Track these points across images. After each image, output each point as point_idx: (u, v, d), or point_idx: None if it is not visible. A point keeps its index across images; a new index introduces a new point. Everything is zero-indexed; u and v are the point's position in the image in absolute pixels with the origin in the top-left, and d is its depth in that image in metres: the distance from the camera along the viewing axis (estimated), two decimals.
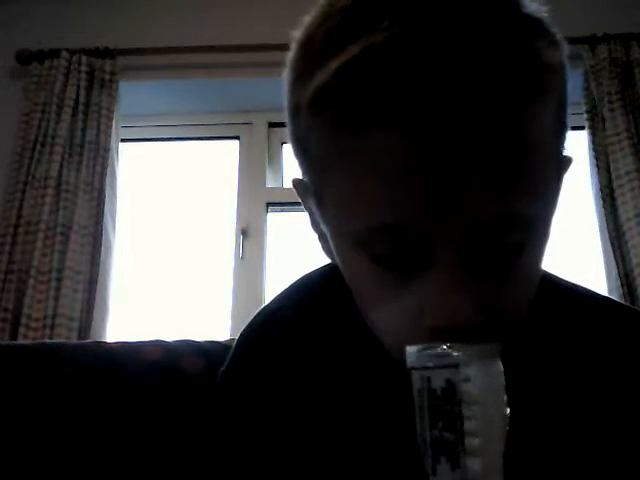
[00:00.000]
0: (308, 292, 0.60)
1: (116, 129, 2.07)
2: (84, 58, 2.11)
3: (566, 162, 0.50)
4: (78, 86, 2.07)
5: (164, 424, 0.80)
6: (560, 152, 0.48)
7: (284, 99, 0.50)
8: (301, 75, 0.46)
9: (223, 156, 2.30)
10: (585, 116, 2.00)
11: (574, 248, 1.99)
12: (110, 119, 2.04)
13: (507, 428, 0.39)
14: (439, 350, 0.40)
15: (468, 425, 0.38)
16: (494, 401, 0.39)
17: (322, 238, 0.54)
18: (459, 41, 0.40)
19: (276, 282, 2.04)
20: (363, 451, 0.52)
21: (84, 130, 2.03)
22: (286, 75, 0.49)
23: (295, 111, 0.47)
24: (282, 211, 2.16)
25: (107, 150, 2.00)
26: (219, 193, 2.25)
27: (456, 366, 0.39)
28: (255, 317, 0.60)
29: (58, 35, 2.19)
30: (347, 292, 0.50)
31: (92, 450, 0.78)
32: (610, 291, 1.80)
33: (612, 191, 1.89)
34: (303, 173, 0.51)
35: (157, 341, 0.87)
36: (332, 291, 0.56)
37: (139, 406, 0.81)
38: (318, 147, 0.45)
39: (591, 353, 0.53)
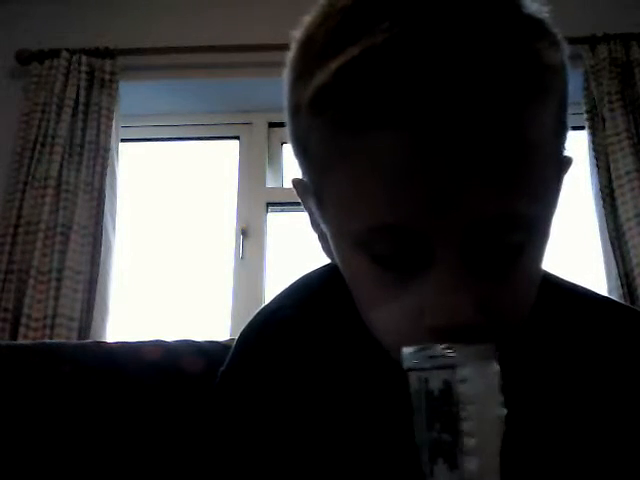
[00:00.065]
0: (308, 292, 0.60)
1: (116, 129, 2.07)
2: (84, 58, 2.11)
3: (566, 162, 0.50)
4: (78, 86, 2.07)
5: (164, 424, 0.80)
6: (560, 152, 0.48)
7: (284, 99, 0.50)
8: (301, 75, 0.46)
9: (223, 156, 2.30)
10: (585, 116, 2.00)
11: (574, 248, 1.99)
12: (110, 119, 2.04)
13: (503, 428, 0.39)
14: (435, 351, 0.40)
15: (464, 426, 0.38)
16: (490, 401, 0.39)
17: (322, 238, 0.54)
18: (460, 42, 0.40)
19: (276, 282, 2.04)
20: (362, 451, 0.52)
21: (84, 130, 2.03)
22: (286, 75, 0.49)
23: (295, 111, 0.47)
24: (282, 211, 2.16)
25: (107, 150, 2.00)
26: (219, 193, 2.25)
27: (452, 367, 0.39)
28: (255, 317, 0.60)
29: (58, 35, 2.19)
30: (347, 292, 0.50)
31: (92, 450, 0.78)
32: (610, 291, 1.80)
33: (612, 191, 1.89)
34: (303, 173, 0.51)
35: (157, 341, 0.87)
36: (332, 291, 0.56)
37: (139, 406, 0.81)
38: (318, 147, 0.45)
39: (591, 353, 0.53)
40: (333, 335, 0.55)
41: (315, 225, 0.54)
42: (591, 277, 1.88)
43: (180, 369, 0.83)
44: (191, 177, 2.29)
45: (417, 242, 0.43)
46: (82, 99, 2.06)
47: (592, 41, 2.05)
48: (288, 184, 1.96)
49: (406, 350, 0.41)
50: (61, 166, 1.97)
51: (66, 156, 1.99)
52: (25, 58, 2.15)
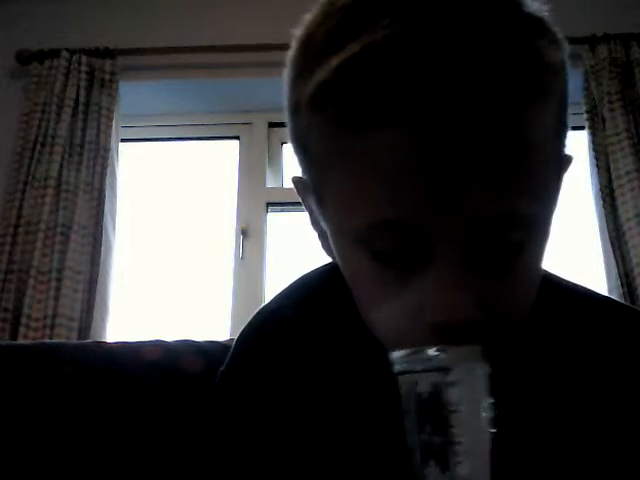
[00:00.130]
0: (308, 291, 0.59)
1: (116, 129, 2.07)
2: (84, 58, 2.11)
3: (566, 161, 0.50)
4: (78, 86, 2.07)
5: (164, 424, 0.80)
6: (561, 151, 0.48)
7: (284, 97, 0.50)
8: (301, 73, 0.46)
9: (223, 156, 2.30)
10: (585, 116, 2.00)
11: (574, 248, 1.99)
12: (110, 119, 2.04)
13: (492, 430, 0.39)
14: (424, 354, 0.39)
15: (454, 429, 0.38)
16: (478, 403, 0.39)
17: (322, 236, 0.54)
18: (460, 39, 0.40)
19: (276, 282, 2.04)
20: (362, 451, 0.52)
21: (84, 130, 2.03)
22: (286, 74, 0.49)
23: (295, 109, 0.47)
24: (282, 211, 2.16)
25: (107, 150, 2.00)
26: (219, 193, 2.25)
27: (441, 369, 0.39)
28: (255, 316, 0.60)
29: (58, 35, 2.19)
30: (347, 292, 0.50)
31: (92, 450, 0.78)
32: (610, 291, 1.80)
33: (612, 191, 1.89)
34: (303, 171, 0.51)
35: (157, 341, 0.87)
36: (332, 290, 0.56)
37: (139, 406, 0.80)
38: (318, 145, 0.45)
39: (591, 353, 0.53)
40: (333, 335, 0.55)
41: (315, 223, 0.54)
42: (591, 277, 1.88)
43: (180, 369, 0.83)
44: (191, 177, 2.29)
45: (417, 238, 0.43)
46: (82, 99, 2.06)
47: (592, 41, 2.05)
48: (288, 184, 1.96)
49: (395, 354, 0.41)
50: (61, 166, 1.97)
51: (66, 156, 1.99)
52: (25, 58, 2.15)
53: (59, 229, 1.88)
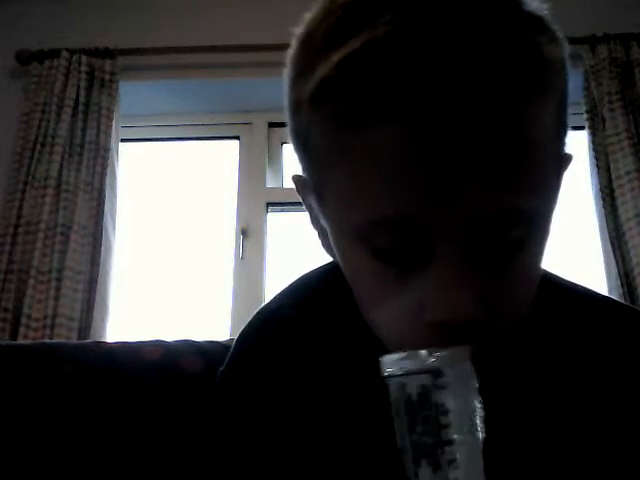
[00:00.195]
0: (308, 291, 0.59)
1: (116, 129, 2.07)
2: (84, 58, 2.11)
3: (566, 159, 0.50)
4: (78, 86, 2.07)
5: (164, 424, 0.80)
6: (561, 150, 0.48)
7: (285, 97, 0.50)
8: (302, 70, 0.46)
9: (223, 156, 2.30)
10: (585, 116, 2.00)
11: (574, 248, 1.99)
12: (110, 119, 2.04)
13: (485, 429, 0.39)
14: (412, 356, 0.39)
15: (444, 430, 0.38)
16: (469, 404, 0.39)
17: (322, 234, 0.54)
18: (461, 36, 0.40)
19: (276, 282, 2.04)
20: (362, 451, 0.52)
21: (84, 130, 2.03)
22: (287, 73, 0.49)
23: (296, 107, 0.47)
24: (282, 211, 2.16)
25: (107, 150, 2.00)
26: (219, 193, 2.24)
27: (429, 371, 0.39)
28: (255, 316, 0.60)
29: (58, 35, 2.19)
30: (347, 291, 0.50)
31: (92, 450, 0.78)
32: (610, 291, 1.80)
33: (612, 191, 1.89)
34: (303, 169, 0.51)
35: (157, 341, 0.87)
36: (332, 290, 0.55)
37: (139, 406, 0.80)
38: (318, 142, 0.45)
39: (591, 353, 0.53)
40: (333, 334, 0.55)
41: (315, 222, 0.54)
42: (591, 277, 1.88)
43: (180, 369, 0.83)
44: (191, 177, 2.29)
45: (418, 235, 0.43)
46: (82, 99, 2.06)
47: (592, 41, 2.05)
48: (288, 184, 1.96)
49: (385, 358, 0.41)
50: (61, 166, 1.97)
51: (66, 156, 1.98)
52: (25, 58, 2.15)
53: (59, 229, 1.88)
